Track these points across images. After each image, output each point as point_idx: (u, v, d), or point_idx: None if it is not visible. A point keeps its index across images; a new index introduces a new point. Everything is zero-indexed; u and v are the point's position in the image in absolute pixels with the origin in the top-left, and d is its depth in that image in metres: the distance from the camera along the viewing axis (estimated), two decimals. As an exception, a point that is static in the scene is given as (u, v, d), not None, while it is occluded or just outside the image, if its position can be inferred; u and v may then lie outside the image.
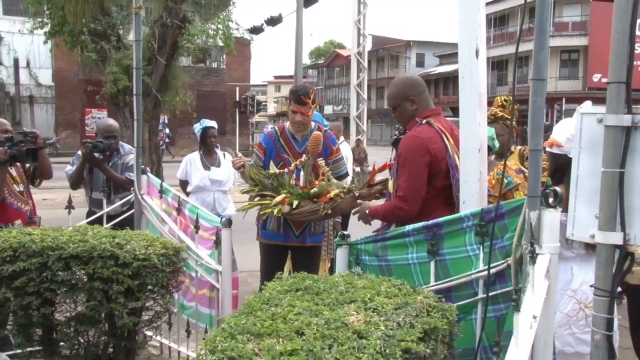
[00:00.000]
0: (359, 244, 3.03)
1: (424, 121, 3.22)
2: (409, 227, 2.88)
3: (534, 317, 1.92)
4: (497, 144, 3.85)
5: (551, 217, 2.17)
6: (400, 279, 2.46)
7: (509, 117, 3.59)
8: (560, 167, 2.80)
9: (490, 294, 2.41)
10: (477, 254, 2.59)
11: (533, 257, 2.06)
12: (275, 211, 3.56)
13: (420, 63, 51.61)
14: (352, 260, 3.04)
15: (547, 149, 2.88)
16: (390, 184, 3.31)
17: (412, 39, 51.96)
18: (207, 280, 3.83)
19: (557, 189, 2.19)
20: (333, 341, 1.75)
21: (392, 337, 1.81)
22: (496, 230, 2.46)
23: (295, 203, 3.54)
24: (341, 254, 3.01)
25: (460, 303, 2.50)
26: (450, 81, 47.01)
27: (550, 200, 2.17)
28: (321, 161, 3.75)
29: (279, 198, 3.57)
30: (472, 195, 2.92)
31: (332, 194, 3.48)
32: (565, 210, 2.09)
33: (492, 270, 2.41)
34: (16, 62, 28.62)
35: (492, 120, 3.68)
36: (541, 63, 2.19)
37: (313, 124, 4.14)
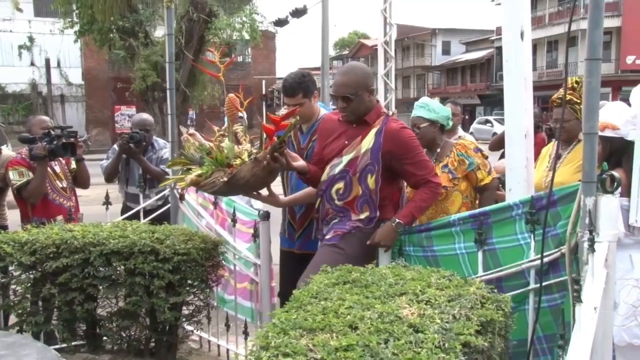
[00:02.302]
0: (402, 234, 2.96)
1: (391, 113, 3.14)
2: (454, 217, 2.81)
3: (595, 308, 1.84)
4: (450, 123, 3.71)
5: (609, 203, 2.08)
6: (448, 269, 2.39)
7: (579, 101, 3.18)
8: (617, 151, 2.68)
9: (544, 283, 2.32)
10: (528, 243, 2.50)
11: (592, 246, 1.97)
12: (182, 184, 3.11)
13: (446, 51, 50.90)
14: (395, 252, 2.97)
15: (599, 133, 2.77)
16: (372, 180, 2.95)
17: (437, 27, 51.26)
18: (247, 274, 3.80)
19: (615, 173, 2.09)
20: (388, 335, 1.69)
21: (450, 330, 1.74)
22: (548, 218, 2.37)
23: (197, 172, 2.97)
24: (385, 245, 2.94)
25: (512, 293, 2.41)
26: (477, 68, 46.32)
27: (608, 185, 2.07)
28: (239, 126, 3.23)
29: (192, 174, 3.01)
30: (519, 183, 2.83)
31: (238, 161, 2.95)
32: (625, 195, 1.99)
33: (545, 260, 2.32)
34: (47, 62, 29.06)
35: (559, 104, 3.32)
36: (596, 42, 2.09)
37: (323, 111, 3.60)
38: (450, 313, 1.86)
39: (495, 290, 2.18)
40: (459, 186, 3.37)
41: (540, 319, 2.39)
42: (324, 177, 3.07)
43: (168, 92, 4.39)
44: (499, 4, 2.86)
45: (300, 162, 3.06)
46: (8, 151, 4.64)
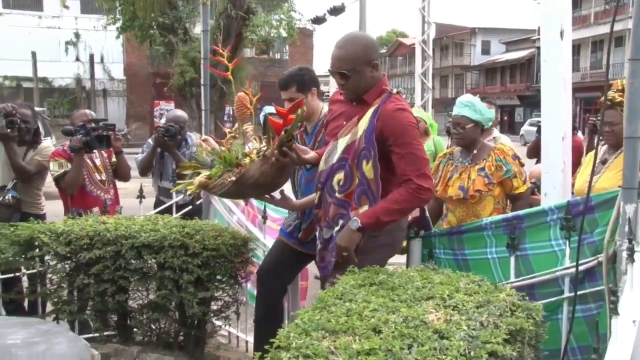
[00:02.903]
0: (433, 236, 2.90)
1: (395, 91, 2.70)
2: (487, 220, 2.73)
3: (634, 321, 1.75)
4: (490, 124, 3.61)
5: (650, 211, 1.98)
6: (479, 274, 2.32)
7: None
8: None
9: (579, 292, 2.24)
10: (562, 250, 2.41)
11: (631, 255, 1.88)
12: (191, 188, 2.94)
13: (485, 51, 50.19)
14: (425, 254, 2.91)
15: None
16: (368, 167, 2.58)
17: (477, 26, 50.57)
18: (276, 271, 3.79)
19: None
20: (412, 341, 1.64)
21: (476, 338, 1.68)
22: (585, 224, 2.28)
23: (206, 174, 2.84)
24: (414, 247, 2.89)
25: (544, 301, 2.33)
26: (517, 68, 45.53)
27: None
28: (249, 126, 3.03)
29: (201, 176, 2.88)
30: (555, 187, 2.74)
31: (247, 160, 2.78)
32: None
33: (581, 268, 2.24)
34: (91, 57, 29.78)
35: (609, 106, 3.11)
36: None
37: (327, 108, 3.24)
38: (478, 320, 1.80)
39: (527, 298, 2.11)
40: (493, 191, 3.27)
41: (575, 329, 2.31)
42: (322, 166, 2.75)
43: (202, 88, 4.42)
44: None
45: (311, 154, 2.82)
46: (49, 143, 4.72)
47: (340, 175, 2.65)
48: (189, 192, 3.00)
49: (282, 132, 2.59)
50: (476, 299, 1.99)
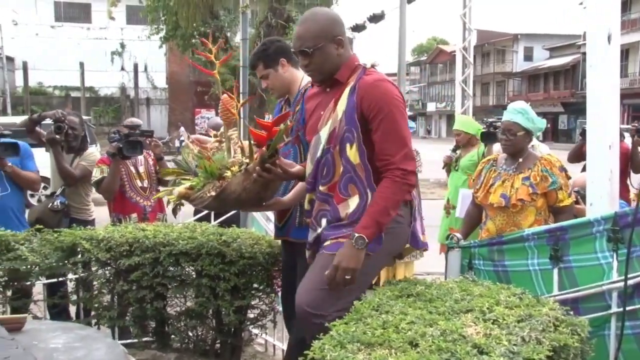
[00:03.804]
0: (473, 247, 2.83)
1: (369, 65, 2.44)
2: (528, 231, 2.65)
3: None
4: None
5: None
6: (520, 286, 2.24)
7: None
8: None
9: (628, 308, 2.14)
10: (609, 263, 2.32)
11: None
12: (171, 198, 2.71)
13: (528, 57, 49.27)
14: (464, 265, 2.85)
15: None
16: (353, 152, 2.32)
17: (519, 32, 49.75)
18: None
19: None
20: (450, 355, 1.59)
21: (517, 354, 1.62)
22: (634, 236, 2.18)
23: (188, 185, 2.61)
24: (453, 258, 2.83)
25: (590, 316, 2.24)
26: (561, 75, 44.55)
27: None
28: (234, 132, 2.80)
29: (181, 186, 2.65)
30: (602, 197, 2.63)
31: (228, 173, 2.52)
32: None
33: (630, 282, 2.14)
34: (135, 67, 30.56)
35: None
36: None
37: (307, 79, 2.92)
38: (519, 335, 1.74)
39: (571, 313, 2.03)
40: (536, 202, 3.16)
41: (623, 346, 2.21)
42: (309, 165, 2.49)
43: (241, 96, 4.44)
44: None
45: (297, 168, 2.61)
46: (94, 150, 4.84)
47: (325, 168, 2.41)
48: (170, 203, 2.76)
49: (265, 147, 2.38)
50: (517, 312, 1.93)
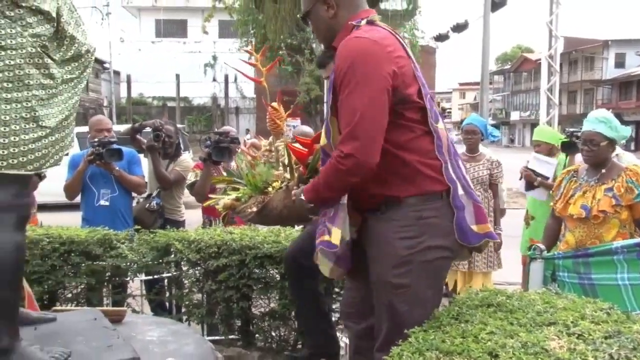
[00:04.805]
0: (557, 258, 2.72)
1: (363, 21, 2.04)
2: (617, 244, 2.51)
3: None
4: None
5: None
6: (607, 300, 2.12)
7: None
8: None
9: None
10: None
11: None
12: (218, 208, 2.60)
13: (620, 64, 46.51)
14: (547, 276, 2.73)
15: None
16: (323, 138, 2.08)
17: (610, 38, 47.15)
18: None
19: None
20: (532, 368, 1.53)
21: (604, 371, 1.53)
22: None
23: (234, 196, 2.48)
24: (536, 269, 2.72)
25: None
26: (655, 82, 41.85)
27: None
28: (281, 143, 2.57)
29: (228, 198, 2.53)
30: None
31: (270, 188, 2.37)
32: None
33: None
34: (226, 78, 31.59)
35: None
36: None
37: None
38: (607, 352, 1.63)
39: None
40: (620, 214, 2.97)
41: None
42: None
43: (325, 105, 4.48)
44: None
45: None
46: (187, 156, 5.05)
47: None
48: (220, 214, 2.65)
49: (304, 166, 2.24)
50: (604, 328, 1.82)
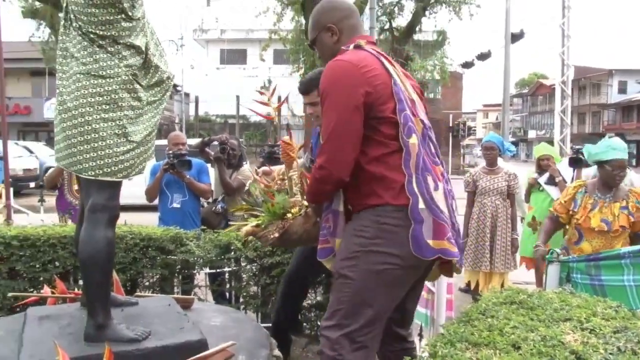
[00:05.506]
0: (571, 262, 2.64)
1: (351, 46, 2.01)
2: (624, 250, 2.44)
3: None
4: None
5: None
6: (615, 299, 2.05)
7: None
8: None
9: None
10: None
11: None
12: (239, 234, 2.50)
13: (622, 90, 44.90)
14: (562, 277, 2.66)
15: None
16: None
17: (614, 68, 45.56)
18: (425, 284, 3.68)
19: None
20: (550, 359, 1.49)
21: (614, 362, 1.49)
22: None
23: (254, 223, 2.38)
24: (553, 271, 2.65)
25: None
26: (654, 106, 40.13)
27: None
28: (294, 173, 2.47)
29: (248, 225, 2.41)
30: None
31: (289, 214, 2.28)
32: None
33: None
34: (279, 99, 32.01)
35: None
36: None
37: None
38: (616, 345, 1.59)
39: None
40: (630, 229, 3.01)
41: None
42: None
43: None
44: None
45: None
46: (247, 167, 5.12)
47: None
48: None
49: None
50: (613, 324, 1.77)
